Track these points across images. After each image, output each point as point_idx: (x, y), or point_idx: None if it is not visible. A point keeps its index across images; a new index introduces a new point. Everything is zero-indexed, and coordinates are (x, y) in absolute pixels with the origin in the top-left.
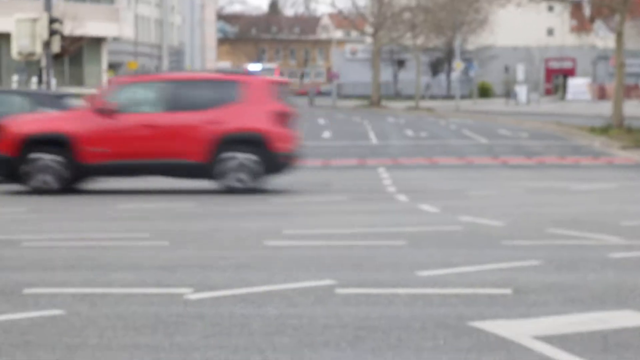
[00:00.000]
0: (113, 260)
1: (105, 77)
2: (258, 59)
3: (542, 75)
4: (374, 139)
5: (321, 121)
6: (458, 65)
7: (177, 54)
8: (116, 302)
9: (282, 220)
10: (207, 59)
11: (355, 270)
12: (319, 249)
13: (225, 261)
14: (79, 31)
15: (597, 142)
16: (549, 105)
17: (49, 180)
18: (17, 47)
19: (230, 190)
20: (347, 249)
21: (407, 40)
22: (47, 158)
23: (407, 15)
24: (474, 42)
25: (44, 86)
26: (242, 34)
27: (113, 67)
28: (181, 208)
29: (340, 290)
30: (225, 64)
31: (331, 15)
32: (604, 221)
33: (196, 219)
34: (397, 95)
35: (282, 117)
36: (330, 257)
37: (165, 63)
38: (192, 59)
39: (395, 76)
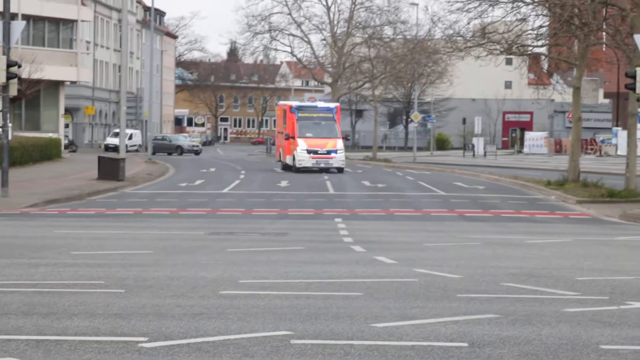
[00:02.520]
0: (67, 307)
1: (62, 121)
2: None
3: (499, 128)
4: (331, 189)
5: (278, 170)
6: (416, 116)
7: (135, 100)
8: (70, 350)
9: (238, 270)
10: (166, 105)
11: (311, 321)
12: (275, 298)
13: (181, 309)
14: (37, 75)
15: (553, 196)
16: (505, 158)
17: None
18: None
19: None
20: (303, 299)
21: (366, 90)
22: None
23: (366, 65)
24: (432, 94)
25: None
26: (200, 81)
27: (70, 111)
28: (137, 256)
29: (296, 341)
30: (183, 111)
31: (290, 64)
32: (559, 275)
33: (152, 266)
34: (355, 146)
35: None
36: (286, 307)
37: (123, 109)
38: (150, 105)
39: (353, 126)
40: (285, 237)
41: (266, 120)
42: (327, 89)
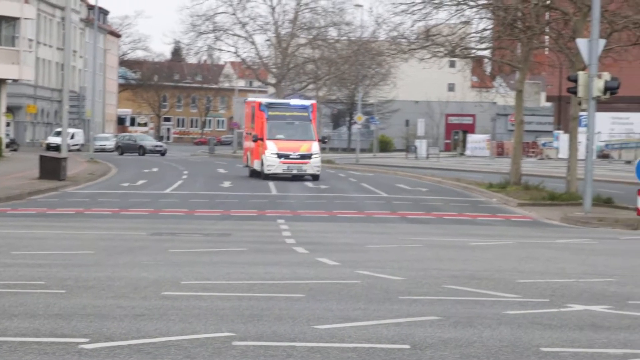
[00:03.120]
0: (7, 308)
1: (3, 120)
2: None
3: (442, 130)
4: (274, 190)
5: (221, 171)
6: (359, 117)
7: (77, 99)
8: (10, 351)
9: (180, 271)
10: (108, 104)
11: (253, 323)
12: (218, 300)
13: (122, 310)
14: None
15: (495, 199)
16: (448, 160)
17: None
18: None
19: None
20: (246, 300)
21: (310, 91)
22: None
23: (310, 66)
24: (375, 96)
25: None
26: (144, 81)
27: (11, 109)
28: (78, 256)
29: (238, 343)
30: (126, 111)
31: (234, 64)
32: (500, 278)
33: (93, 267)
34: None
35: None
36: (229, 308)
37: (65, 107)
38: (92, 104)
39: None
40: (227, 238)
41: (209, 121)
42: (271, 90)
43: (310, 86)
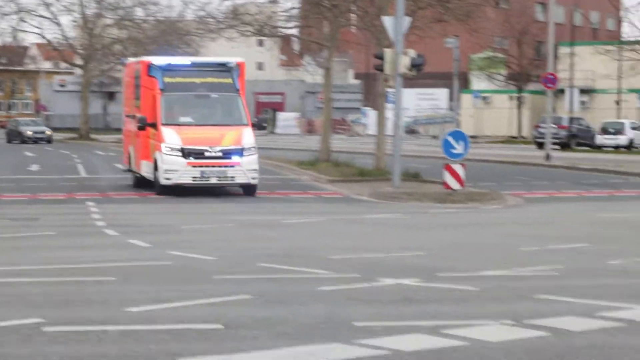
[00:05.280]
0: None
1: None
2: None
3: (252, 109)
4: (83, 172)
5: (28, 154)
6: None
7: None
8: None
9: None
10: None
11: (63, 308)
12: (25, 285)
13: None
14: None
15: (306, 176)
16: (259, 138)
17: None
18: None
19: None
20: (56, 285)
21: (118, 72)
22: None
23: (118, 47)
24: None
25: None
26: None
27: None
28: None
29: (48, 329)
30: None
31: (39, 46)
32: (313, 255)
33: None
34: (107, 128)
35: None
36: (38, 294)
37: None
38: None
39: (105, 108)
40: (36, 222)
41: (14, 103)
42: (79, 71)
43: (118, 67)
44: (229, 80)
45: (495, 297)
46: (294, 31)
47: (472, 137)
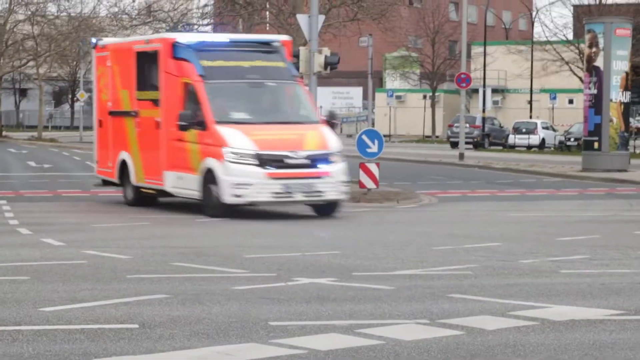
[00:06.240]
0: None
1: None
2: None
3: None
4: None
5: None
6: (82, 95)
7: None
8: None
9: None
10: None
11: None
12: None
13: None
14: None
15: None
16: None
17: None
18: None
19: None
20: None
21: (30, 69)
22: None
23: (30, 43)
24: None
25: None
26: None
27: None
28: None
29: None
30: None
31: None
32: (228, 254)
33: None
34: (20, 126)
35: None
36: None
37: None
38: None
39: (17, 106)
40: None
41: None
42: None
43: (31, 63)
44: (282, 64)
45: (410, 296)
46: (208, 28)
47: (386, 136)
